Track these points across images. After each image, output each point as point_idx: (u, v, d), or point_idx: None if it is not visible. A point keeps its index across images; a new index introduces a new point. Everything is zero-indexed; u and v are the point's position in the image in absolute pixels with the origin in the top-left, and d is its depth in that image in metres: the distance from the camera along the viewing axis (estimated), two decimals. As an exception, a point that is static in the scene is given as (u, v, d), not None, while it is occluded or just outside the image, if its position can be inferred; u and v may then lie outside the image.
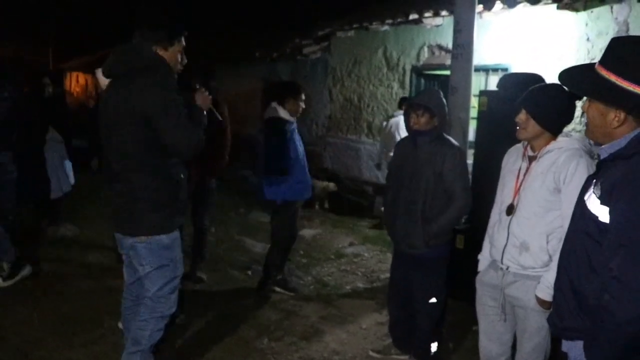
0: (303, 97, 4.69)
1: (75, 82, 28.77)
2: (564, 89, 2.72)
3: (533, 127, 2.66)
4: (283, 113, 4.58)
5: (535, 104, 2.65)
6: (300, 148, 4.69)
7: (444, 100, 3.46)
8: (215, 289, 4.86)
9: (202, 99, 3.18)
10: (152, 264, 2.97)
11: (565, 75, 2.04)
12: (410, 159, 3.47)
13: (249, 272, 5.43)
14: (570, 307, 1.98)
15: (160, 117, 2.73)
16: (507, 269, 2.76)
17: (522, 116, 2.68)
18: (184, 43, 3.01)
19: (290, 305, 4.66)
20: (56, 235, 6.10)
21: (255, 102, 12.35)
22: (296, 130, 4.69)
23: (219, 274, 5.22)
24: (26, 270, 4.80)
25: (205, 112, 3.16)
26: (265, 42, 12.30)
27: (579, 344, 1.94)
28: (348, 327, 4.32)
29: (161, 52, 2.88)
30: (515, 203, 2.73)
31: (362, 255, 6.15)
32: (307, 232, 6.85)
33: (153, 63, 2.83)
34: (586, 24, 5.76)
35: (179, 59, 3.01)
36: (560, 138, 2.68)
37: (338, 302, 4.79)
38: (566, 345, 2.10)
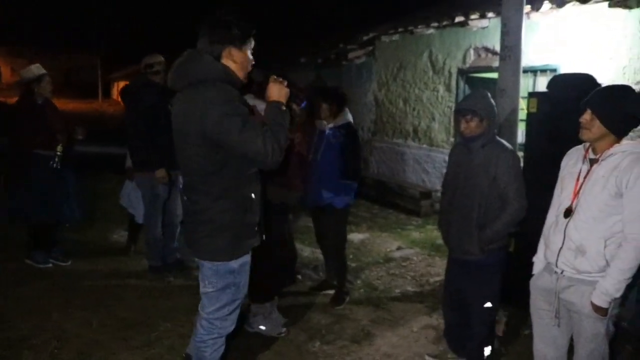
0: (319, 99, 4.69)
1: (122, 91, 29.61)
2: (633, 90, 2.67)
3: (598, 128, 2.61)
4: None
5: (602, 104, 2.61)
6: (317, 149, 4.72)
7: (492, 102, 3.41)
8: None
9: (277, 89, 2.79)
10: (215, 286, 2.85)
11: None
12: (464, 165, 3.45)
13: (299, 277, 5.49)
14: None
15: (221, 132, 2.57)
16: (561, 272, 2.73)
17: (587, 116, 2.63)
18: (253, 43, 2.80)
19: (341, 308, 4.71)
20: (109, 243, 6.35)
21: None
22: (321, 133, 4.73)
23: (269, 278, 5.30)
24: None
25: (284, 105, 2.79)
26: (310, 48, 12.41)
27: None
28: (399, 330, 4.34)
29: (235, 53, 2.72)
30: (573, 206, 2.69)
31: (411, 259, 6.14)
32: (355, 237, 6.88)
33: (209, 75, 2.67)
34: None
35: (250, 60, 2.80)
36: (624, 141, 2.63)
37: (388, 306, 4.81)
38: None
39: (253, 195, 2.82)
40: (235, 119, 2.58)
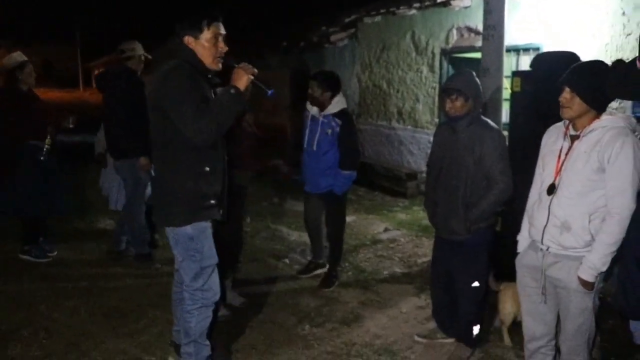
0: (312, 84, 4.63)
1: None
2: (607, 64, 2.69)
3: (579, 105, 2.62)
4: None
5: (580, 81, 2.61)
6: (311, 137, 4.69)
7: (478, 81, 3.41)
8: (254, 278, 4.95)
9: (240, 75, 2.90)
10: (181, 254, 3.04)
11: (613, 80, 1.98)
12: (449, 145, 3.44)
13: (287, 260, 5.50)
14: (637, 287, 1.92)
15: (170, 105, 2.77)
16: (547, 249, 2.75)
17: (566, 95, 2.64)
18: (220, 30, 2.95)
19: (329, 291, 4.72)
20: (94, 231, 6.31)
21: (284, 92, 12.39)
22: (315, 120, 4.68)
23: (257, 264, 5.31)
24: None
25: (238, 90, 2.87)
26: (292, 32, 12.32)
27: None
28: (388, 311, 4.36)
29: (193, 42, 2.90)
30: (556, 183, 2.71)
31: (398, 241, 6.17)
32: (341, 220, 6.89)
33: (176, 55, 2.88)
34: (621, -2, 5.65)
35: (215, 46, 2.94)
36: (604, 116, 2.64)
37: (376, 288, 4.83)
38: (634, 325, 2.07)
39: (208, 168, 2.94)
40: (180, 92, 2.75)
